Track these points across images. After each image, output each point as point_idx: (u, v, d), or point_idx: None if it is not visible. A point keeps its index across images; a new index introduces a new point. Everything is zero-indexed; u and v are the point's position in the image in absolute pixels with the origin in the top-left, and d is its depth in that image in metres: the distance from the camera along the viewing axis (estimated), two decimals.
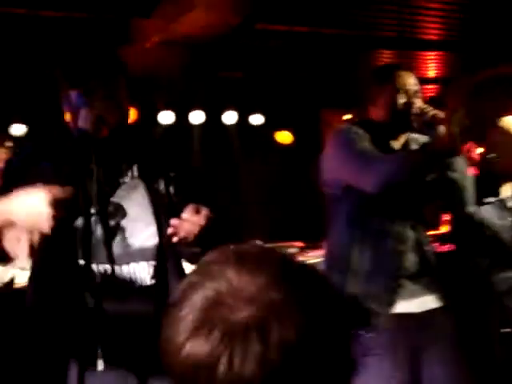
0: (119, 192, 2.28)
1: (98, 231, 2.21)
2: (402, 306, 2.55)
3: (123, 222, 2.26)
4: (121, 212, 2.27)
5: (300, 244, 5.95)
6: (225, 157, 7.15)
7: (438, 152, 2.42)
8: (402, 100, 2.60)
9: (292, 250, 5.73)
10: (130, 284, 2.25)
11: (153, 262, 2.30)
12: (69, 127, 2.31)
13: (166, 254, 2.33)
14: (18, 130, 5.71)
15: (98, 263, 2.18)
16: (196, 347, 0.81)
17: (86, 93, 2.21)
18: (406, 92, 2.61)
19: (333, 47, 5.60)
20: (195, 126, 6.70)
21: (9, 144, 5.02)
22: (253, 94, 6.74)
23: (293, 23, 4.95)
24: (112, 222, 2.24)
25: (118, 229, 2.25)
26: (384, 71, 2.74)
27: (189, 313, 0.84)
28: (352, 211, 2.60)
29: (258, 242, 5.89)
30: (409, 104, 2.59)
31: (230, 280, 0.84)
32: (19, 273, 4.25)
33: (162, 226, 2.30)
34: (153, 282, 2.28)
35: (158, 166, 2.37)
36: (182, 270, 2.39)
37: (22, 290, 4.12)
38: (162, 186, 2.35)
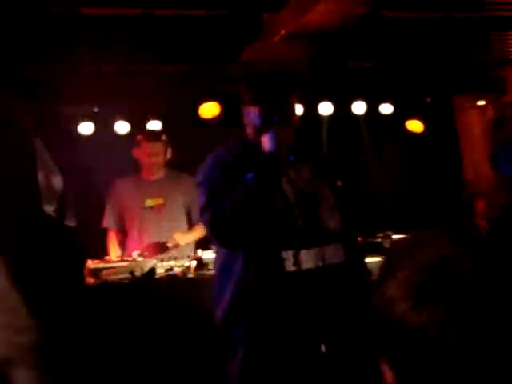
0: (310, 186, 2.72)
1: (300, 221, 2.63)
2: None
3: (319, 210, 2.68)
4: (316, 201, 2.68)
5: None
6: (354, 148, 7.12)
7: None
8: None
9: None
10: (328, 262, 2.65)
11: (343, 243, 2.72)
12: (247, 139, 2.72)
13: (351, 236, 2.80)
14: (154, 125, 5.92)
15: (300, 249, 2.59)
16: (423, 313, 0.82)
17: (267, 113, 2.53)
18: None
19: (463, 31, 5.42)
20: (324, 117, 6.71)
21: (164, 138, 5.22)
22: (382, 83, 6.65)
23: (420, 9, 4.85)
24: (310, 211, 2.66)
25: (316, 216, 2.66)
26: None
27: (409, 276, 0.85)
28: None
29: (390, 234, 5.83)
30: None
31: (441, 249, 0.86)
32: (159, 264, 4.44)
33: (345, 212, 2.75)
34: (344, 260, 2.71)
35: (329, 163, 2.89)
36: (361, 250, 2.91)
37: (161, 280, 4.31)
38: (337, 180, 2.81)
